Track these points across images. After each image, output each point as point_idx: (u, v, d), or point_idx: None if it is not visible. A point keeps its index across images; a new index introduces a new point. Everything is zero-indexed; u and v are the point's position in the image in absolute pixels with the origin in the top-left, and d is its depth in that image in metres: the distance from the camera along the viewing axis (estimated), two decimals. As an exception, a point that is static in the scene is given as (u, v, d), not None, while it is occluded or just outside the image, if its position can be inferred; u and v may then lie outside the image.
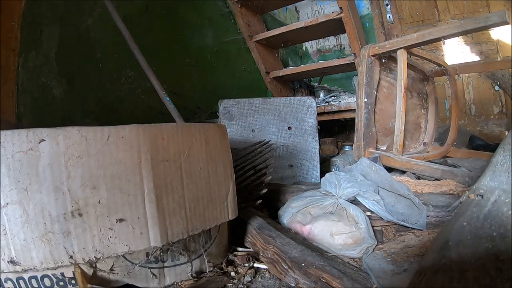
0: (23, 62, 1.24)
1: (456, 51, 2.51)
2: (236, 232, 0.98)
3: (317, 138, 1.68)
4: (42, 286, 0.60)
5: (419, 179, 1.25)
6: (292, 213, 1.01)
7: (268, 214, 1.16)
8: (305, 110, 1.67)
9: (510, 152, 0.70)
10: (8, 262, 0.55)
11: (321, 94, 2.68)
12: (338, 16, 2.05)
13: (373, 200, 0.97)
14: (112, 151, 0.60)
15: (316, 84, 2.93)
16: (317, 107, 1.72)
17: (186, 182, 0.70)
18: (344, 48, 3.28)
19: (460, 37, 2.35)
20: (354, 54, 2.15)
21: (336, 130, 2.63)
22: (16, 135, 0.55)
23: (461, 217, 0.64)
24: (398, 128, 1.34)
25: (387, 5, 2.72)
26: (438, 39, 1.24)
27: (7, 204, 0.54)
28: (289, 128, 1.66)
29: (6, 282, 0.59)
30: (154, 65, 1.36)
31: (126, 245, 0.61)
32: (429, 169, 1.24)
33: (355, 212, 0.93)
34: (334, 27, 2.23)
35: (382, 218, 0.96)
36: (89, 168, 0.58)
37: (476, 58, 2.44)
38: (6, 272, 0.56)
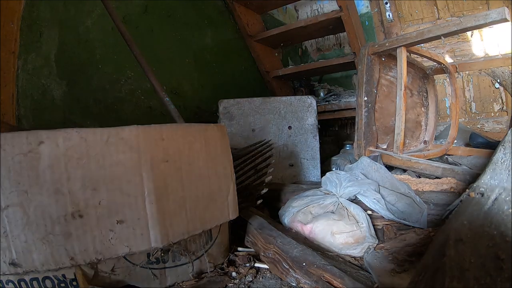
0: (23, 64, 1.24)
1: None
2: (237, 232, 0.98)
3: (317, 137, 1.68)
4: (43, 288, 0.60)
5: (419, 177, 1.25)
6: (293, 212, 1.01)
7: (269, 214, 1.16)
8: (305, 109, 1.67)
9: (510, 149, 0.70)
10: (9, 264, 0.55)
11: (321, 93, 2.67)
12: (337, 15, 2.04)
13: (374, 198, 0.97)
14: (112, 152, 0.60)
15: (316, 83, 2.92)
16: (317, 106, 1.72)
17: (186, 183, 0.70)
18: (343, 46, 3.26)
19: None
20: (354, 52, 2.15)
21: (336, 129, 2.62)
22: (16, 137, 0.55)
23: (461, 216, 0.64)
24: (398, 127, 1.34)
25: (386, 3, 2.71)
26: (437, 37, 1.23)
27: (8, 206, 0.54)
28: (290, 127, 1.66)
29: (8, 284, 0.59)
30: (153, 66, 1.36)
31: (127, 246, 0.61)
32: (430, 167, 1.23)
33: (356, 211, 0.93)
34: (333, 26, 2.22)
35: (383, 217, 0.96)
36: (89, 169, 0.58)
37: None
38: (7, 274, 0.56)
